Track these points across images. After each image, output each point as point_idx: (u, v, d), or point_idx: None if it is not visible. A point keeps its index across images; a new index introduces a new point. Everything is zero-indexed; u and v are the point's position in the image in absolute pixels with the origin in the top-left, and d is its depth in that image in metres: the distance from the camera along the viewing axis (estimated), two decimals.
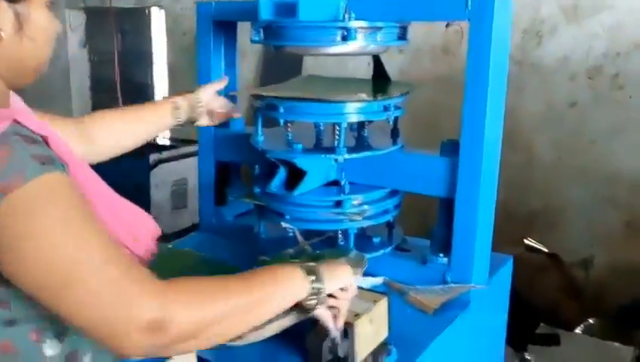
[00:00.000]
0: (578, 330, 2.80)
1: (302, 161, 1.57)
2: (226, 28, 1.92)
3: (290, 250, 1.57)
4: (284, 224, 1.65)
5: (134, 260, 0.92)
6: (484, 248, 1.60)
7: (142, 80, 5.11)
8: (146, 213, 1.10)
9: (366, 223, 1.66)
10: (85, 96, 5.55)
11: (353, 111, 1.57)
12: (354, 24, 1.51)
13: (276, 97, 1.61)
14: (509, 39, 1.57)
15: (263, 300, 1.01)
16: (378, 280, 1.57)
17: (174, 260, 1.76)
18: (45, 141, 0.92)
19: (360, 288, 1.30)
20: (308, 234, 1.68)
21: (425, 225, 3.04)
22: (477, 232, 1.53)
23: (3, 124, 0.87)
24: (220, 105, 1.65)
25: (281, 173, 1.61)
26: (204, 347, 0.96)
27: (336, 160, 1.62)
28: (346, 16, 1.50)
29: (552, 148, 3.19)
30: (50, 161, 0.87)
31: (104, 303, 0.84)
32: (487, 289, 1.60)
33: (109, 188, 1.06)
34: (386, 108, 1.61)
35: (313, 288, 1.08)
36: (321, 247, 1.61)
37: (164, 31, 4.81)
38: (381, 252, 1.69)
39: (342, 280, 1.15)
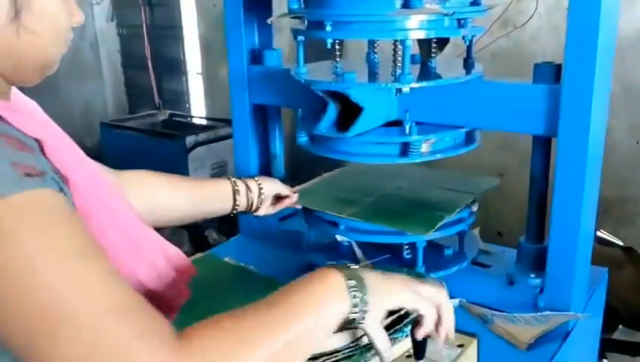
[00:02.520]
0: None
1: (357, 93, 1.27)
2: None
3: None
4: (339, 237, 1.39)
5: (150, 308, 0.68)
6: (584, 262, 1.32)
7: (173, 54, 4.92)
8: (177, 249, 0.87)
9: (434, 157, 1.37)
10: (117, 72, 5.38)
11: (418, 25, 1.24)
12: None
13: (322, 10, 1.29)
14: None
15: (303, 335, 0.76)
16: (454, 303, 1.33)
17: (212, 271, 1.55)
18: (40, 146, 0.71)
19: None
20: (366, 247, 1.42)
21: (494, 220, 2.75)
22: (578, 242, 1.24)
23: None
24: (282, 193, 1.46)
25: (331, 111, 1.32)
26: None
27: (399, 90, 1.31)
28: None
29: (629, 133, 2.89)
30: (39, 173, 0.66)
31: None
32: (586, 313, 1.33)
33: (133, 216, 0.84)
34: (460, 24, 1.29)
35: (354, 297, 0.81)
36: (384, 265, 1.35)
37: (193, 2, 4.56)
38: (455, 268, 1.42)
39: (395, 296, 0.86)
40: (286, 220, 1.75)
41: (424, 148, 1.35)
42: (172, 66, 4.94)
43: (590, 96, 1.17)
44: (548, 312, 1.27)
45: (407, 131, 1.34)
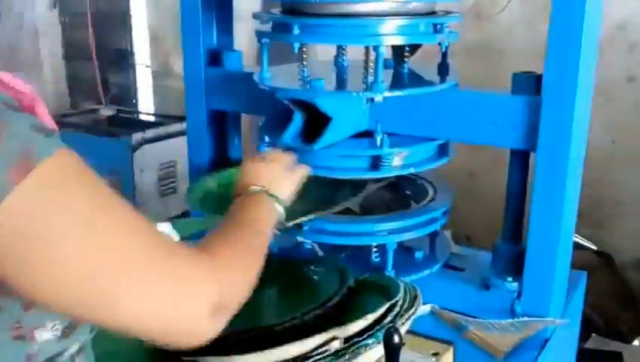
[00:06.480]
0: (637, 342, 2.54)
1: (325, 102, 1.24)
2: None
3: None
4: (299, 238, 1.35)
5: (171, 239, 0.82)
6: (564, 265, 1.32)
7: (120, 45, 4.81)
8: None
9: (406, 171, 1.36)
10: (58, 64, 5.23)
11: (393, 30, 1.23)
12: None
13: (290, 15, 1.28)
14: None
15: (265, 240, 0.97)
16: (425, 309, 1.32)
17: None
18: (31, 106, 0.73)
19: (412, 331, 1.03)
20: (330, 249, 1.39)
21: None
22: (559, 243, 1.24)
23: None
24: None
25: (297, 120, 1.29)
26: None
27: (371, 100, 1.28)
28: None
29: (605, 130, 2.91)
30: (52, 131, 0.69)
31: (166, 305, 0.72)
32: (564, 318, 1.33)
33: None
34: (436, 29, 1.29)
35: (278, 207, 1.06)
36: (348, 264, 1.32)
37: None
38: (427, 272, 1.39)
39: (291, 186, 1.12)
40: None
41: (396, 161, 1.34)
42: (119, 58, 4.84)
43: (572, 109, 1.17)
44: (525, 318, 1.26)
45: (378, 143, 1.32)
